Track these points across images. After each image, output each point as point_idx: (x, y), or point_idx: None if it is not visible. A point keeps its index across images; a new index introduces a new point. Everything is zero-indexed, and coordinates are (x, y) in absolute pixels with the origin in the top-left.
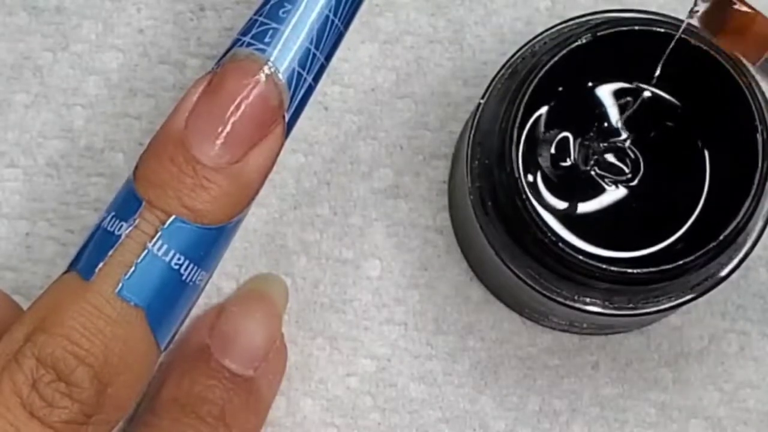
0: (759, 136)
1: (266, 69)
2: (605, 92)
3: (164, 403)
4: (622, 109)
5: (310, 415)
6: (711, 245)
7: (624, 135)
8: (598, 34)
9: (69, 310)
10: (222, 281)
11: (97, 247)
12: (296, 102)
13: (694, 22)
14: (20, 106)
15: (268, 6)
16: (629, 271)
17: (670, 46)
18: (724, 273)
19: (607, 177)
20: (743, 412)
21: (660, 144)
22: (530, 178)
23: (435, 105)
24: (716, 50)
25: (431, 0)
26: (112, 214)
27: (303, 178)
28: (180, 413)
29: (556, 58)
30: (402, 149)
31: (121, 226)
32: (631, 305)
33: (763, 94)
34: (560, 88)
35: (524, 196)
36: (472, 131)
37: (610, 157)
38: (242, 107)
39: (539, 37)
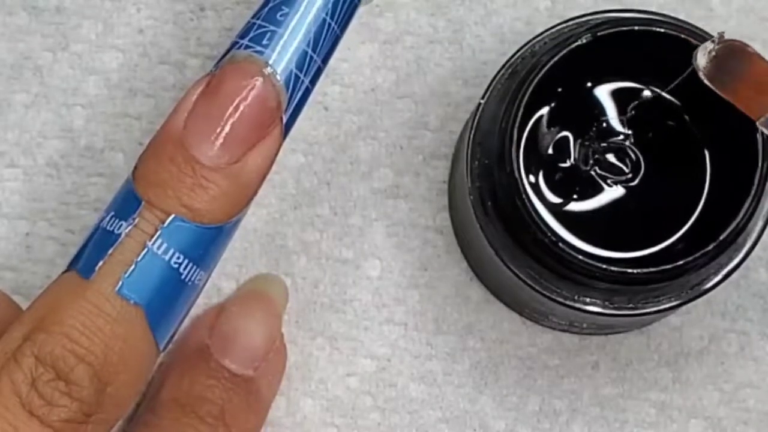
0: (759, 136)
1: (264, 70)
2: (605, 92)
3: (164, 402)
4: (622, 109)
5: (310, 415)
6: (711, 245)
7: (624, 135)
8: (598, 34)
9: (68, 309)
10: (222, 281)
11: (96, 246)
12: (294, 104)
13: (702, 65)
14: (20, 106)
15: (266, 9)
16: (629, 271)
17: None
18: (724, 273)
19: (608, 177)
20: (743, 412)
21: (660, 144)
22: (530, 178)
23: (435, 105)
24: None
25: (431, 0)
26: (112, 213)
27: (303, 178)
28: (180, 413)
29: (556, 58)
30: (402, 149)
31: (121, 225)
32: (631, 305)
33: None
34: (560, 89)
35: (524, 196)
36: (472, 131)
37: (610, 157)
38: (241, 108)
39: (539, 37)
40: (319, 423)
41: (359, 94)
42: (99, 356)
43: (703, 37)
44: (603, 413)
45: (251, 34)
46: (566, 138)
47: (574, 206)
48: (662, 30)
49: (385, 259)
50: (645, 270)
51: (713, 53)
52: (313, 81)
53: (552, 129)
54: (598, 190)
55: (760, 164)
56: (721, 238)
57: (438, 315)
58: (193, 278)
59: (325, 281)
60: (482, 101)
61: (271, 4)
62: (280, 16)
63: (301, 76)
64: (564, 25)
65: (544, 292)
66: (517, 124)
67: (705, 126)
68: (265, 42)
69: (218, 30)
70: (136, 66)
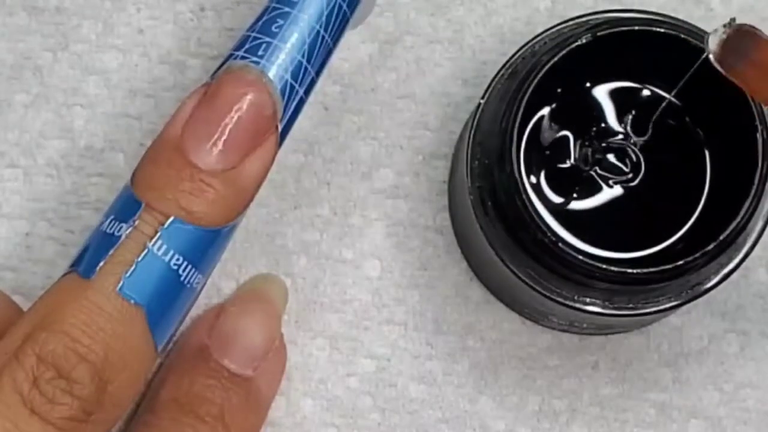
0: (759, 136)
1: (261, 79)
2: (605, 92)
3: (163, 402)
4: (622, 109)
5: (310, 415)
6: (711, 245)
7: (624, 135)
8: (598, 34)
9: (69, 308)
10: (222, 281)
11: (97, 247)
12: (289, 113)
13: (713, 49)
14: (20, 106)
15: (260, 22)
16: (629, 271)
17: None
18: (724, 273)
19: (608, 177)
20: (743, 412)
21: (660, 144)
22: (531, 178)
23: (435, 105)
24: None
25: (431, 0)
26: (112, 217)
27: (303, 178)
28: (179, 413)
29: (556, 58)
30: (402, 149)
31: (121, 227)
32: (631, 305)
33: None
34: (560, 88)
35: (524, 196)
36: (472, 131)
37: (610, 157)
38: (238, 115)
39: (539, 37)
40: (319, 423)
41: (359, 94)
42: (100, 355)
43: (703, 37)
44: (603, 413)
45: (247, 46)
46: (566, 138)
47: (574, 206)
48: (662, 30)
49: (385, 259)
50: (645, 270)
51: (724, 36)
52: (307, 92)
53: (552, 129)
54: (599, 190)
55: (760, 164)
56: (721, 238)
57: (438, 315)
58: (191, 281)
59: (325, 281)
60: (482, 101)
61: (265, 17)
62: (275, 28)
63: (296, 85)
64: (564, 25)
65: (544, 292)
66: (517, 124)
67: (705, 126)
68: (260, 53)
69: (218, 30)
70: (136, 66)
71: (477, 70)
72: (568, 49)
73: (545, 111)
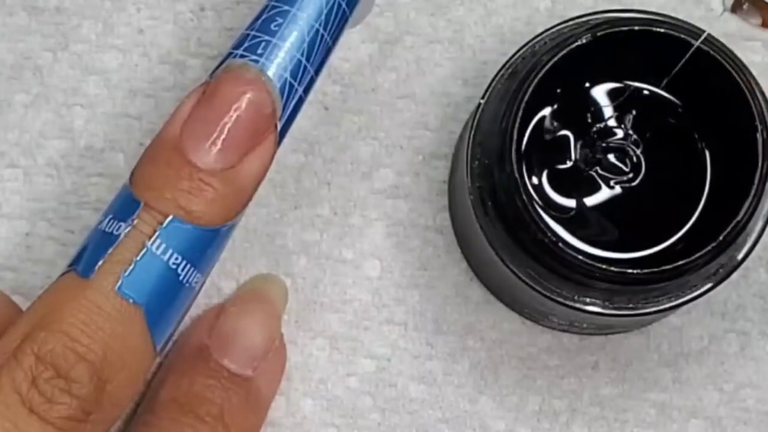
0: (759, 136)
1: (260, 78)
2: (605, 92)
3: (163, 402)
4: (622, 109)
5: (310, 415)
6: (711, 245)
7: (624, 135)
8: (598, 34)
9: (68, 307)
10: (222, 281)
11: (96, 247)
12: (288, 112)
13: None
14: (20, 106)
15: (259, 21)
16: (629, 271)
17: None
18: (724, 273)
19: (608, 177)
20: (743, 412)
21: (660, 144)
22: (531, 178)
23: (435, 105)
24: (717, 51)
25: (431, 0)
26: (110, 216)
27: (303, 178)
28: (179, 413)
29: (556, 58)
30: (402, 149)
31: (120, 226)
32: (631, 305)
33: (763, 94)
34: (560, 89)
35: (524, 196)
36: (472, 131)
37: (610, 158)
38: (237, 114)
39: (539, 37)
40: (319, 423)
41: (359, 94)
42: (99, 354)
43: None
44: (603, 413)
45: (246, 44)
46: (566, 138)
47: (575, 206)
48: (662, 30)
49: (385, 259)
50: (645, 270)
51: None
52: (307, 90)
53: (552, 129)
54: (599, 190)
55: (760, 164)
56: (721, 238)
57: (438, 315)
58: (190, 280)
59: (325, 281)
60: (482, 101)
61: (264, 16)
62: (275, 26)
63: (295, 84)
64: (564, 25)
65: (544, 292)
66: (517, 124)
67: (705, 126)
68: (260, 51)
69: (218, 30)
70: (136, 66)
71: (477, 70)
72: (568, 49)
73: (545, 111)
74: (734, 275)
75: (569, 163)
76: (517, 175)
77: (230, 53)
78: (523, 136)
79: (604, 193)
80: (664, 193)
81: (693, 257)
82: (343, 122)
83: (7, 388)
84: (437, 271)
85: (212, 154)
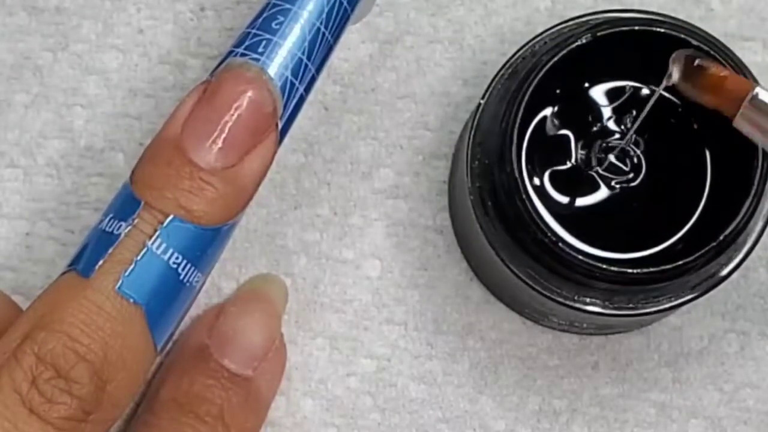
0: None
1: (261, 76)
2: (605, 92)
3: (163, 402)
4: (622, 109)
5: (310, 415)
6: (711, 245)
7: (624, 135)
8: (598, 34)
9: (68, 307)
10: (222, 281)
11: (96, 246)
12: (289, 111)
13: (675, 82)
14: (20, 106)
15: (260, 19)
16: (629, 271)
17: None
18: (724, 273)
19: (608, 177)
20: (743, 412)
21: (661, 144)
22: (531, 178)
23: (435, 105)
24: (716, 50)
25: (431, 0)
26: (111, 216)
27: (303, 178)
28: (179, 413)
29: (556, 58)
30: (402, 149)
31: (120, 226)
32: (631, 305)
33: None
34: (560, 89)
35: (524, 196)
36: (472, 131)
37: (611, 158)
38: (238, 113)
39: (539, 37)
40: (319, 423)
41: (359, 94)
42: (99, 354)
43: (703, 37)
44: (603, 413)
45: (247, 43)
46: (567, 138)
47: (575, 206)
48: (662, 30)
49: (385, 259)
50: (645, 270)
51: (678, 72)
52: (308, 89)
53: (552, 129)
54: (599, 190)
55: (760, 164)
56: (721, 238)
57: (438, 315)
58: (191, 280)
59: (325, 281)
60: (482, 101)
61: (265, 14)
62: (276, 25)
63: (296, 83)
64: (564, 25)
65: (544, 292)
66: (517, 124)
67: (705, 126)
68: (260, 50)
69: (218, 30)
70: (136, 66)
71: (477, 70)
72: (568, 49)
73: (546, 111)
74: (734, 275)
75: (569, 163)
76: (517, 175)
77: (231, 52)
78: (523, 136)
79: (604, 193)
80: (664, 193)
81: (693, 257)
82: (343, 122)
83: (7, 388)
84: (437, 271)
85: (213, 153)
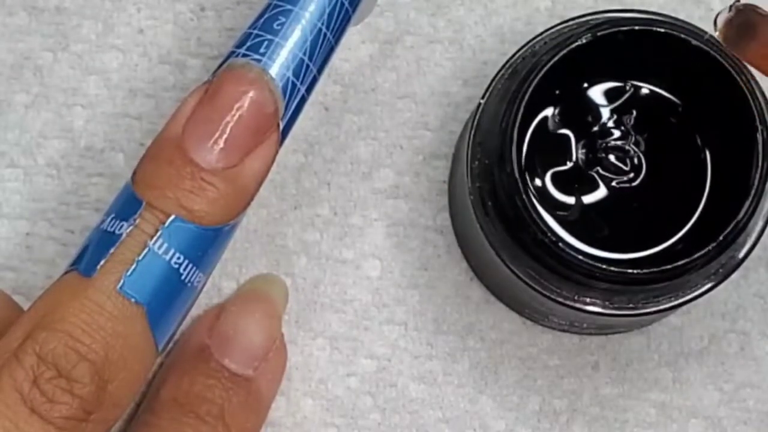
0: (759, 136)
1: (262, 77)
2: (605, 92)
3: (164, 402)
4: (622, 109)
5: (310, 415)
6: (711, 245)
7: (624, 135)
8: (598, 34)
9: (70, 307)
10: (222, 281)
11: (97, 246)
12: (290, 111)
13: (719, 28)
14: (20, 106)
15: (262, 20)
16: (629, 271)
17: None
18: (723, 273)
19: (608, 177)
20: (743, 412)
21: (661, 144)
22: (531, 178)
23: (435, 105)
24: (717, 50)
25: (431, 0)
26: (112, 216)
27: (303, 178)
28: (179, 413)
29: (556, 58)
30: (402, 149)
31: (122, 225)
32: (631, 305)
33: (763, 94)
34: (560, 89)
35: (524, 196)
36: (472, 131)
37: (611, 158)
38: (239, 113)
39: (539, 37)
40: (319, 423)
41: (359, 94)
42: (100, 354)
43: (703, 37)
44: (603, 413)
45: (248, 43)
46: (567, 138)
47: (575, 206)
48: (662, 30)
49: (385, 259)
50: (645, 270)
51: (730, 17)
52: (309, 89)
53: (552, 129)
54: (599, 190)
55: (760, 164)
56: (721, 238)
57: (438, 315)
58: (192, 279)
59: (325, 281)
60: (482, 101)
61: (267, 15)
62: (277, 25)
63: (298, 83)
64: (564, 25)
65: (544, 292)
66: (517, 124)
67: (705, 126)
68: (262, 50)
69: (218, 30)
70: (136, 66)
71: (477, 70)
72: (568, 49)
73: (546, 111)
74: (734, 275)
75: (570, 163)
76: (517, 175)
77: (233, 52)
78: (524, 136)
79: (604, 193)
80: (664, 193)
81: (693, 257)
82: (343, 122)
83: (8, 387)
84: (437, 271)
85: (214, 153)
